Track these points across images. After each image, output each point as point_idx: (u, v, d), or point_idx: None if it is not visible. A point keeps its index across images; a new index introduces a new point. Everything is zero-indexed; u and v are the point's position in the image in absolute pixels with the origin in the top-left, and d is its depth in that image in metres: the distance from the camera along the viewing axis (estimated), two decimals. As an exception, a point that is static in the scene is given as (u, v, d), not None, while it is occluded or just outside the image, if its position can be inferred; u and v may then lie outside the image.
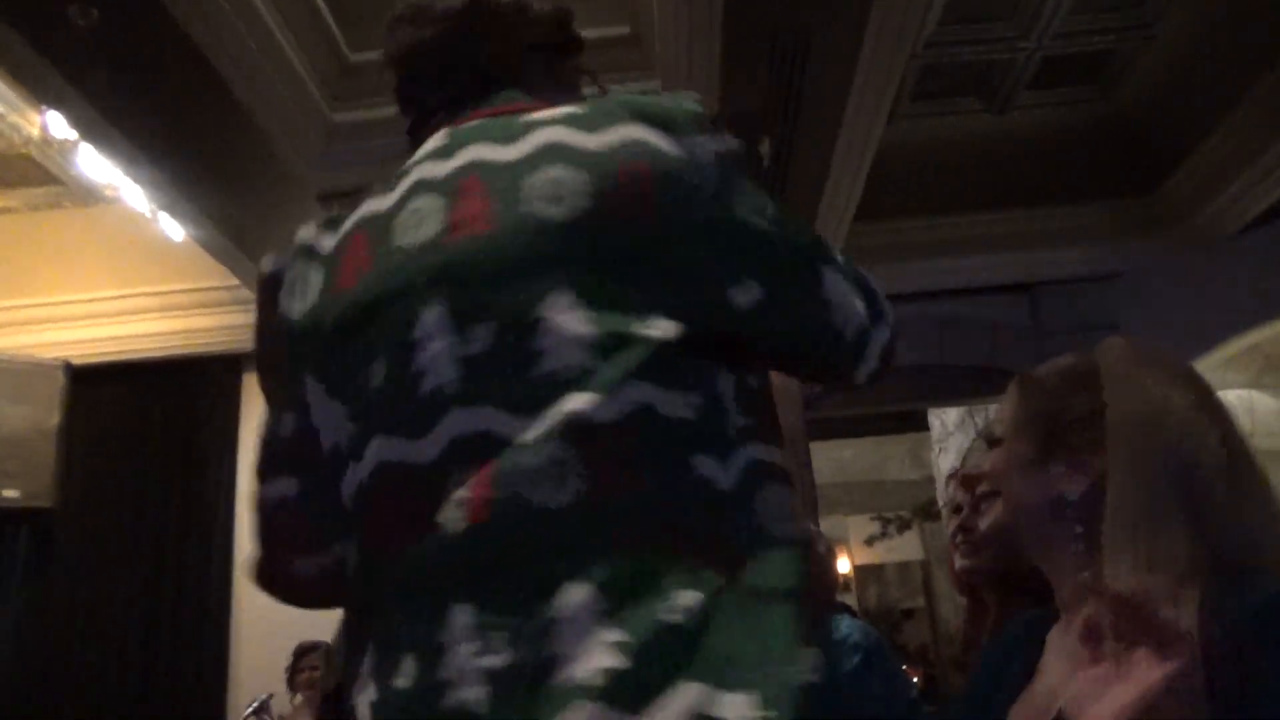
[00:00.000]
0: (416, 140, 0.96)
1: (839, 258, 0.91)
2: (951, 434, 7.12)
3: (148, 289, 5.47)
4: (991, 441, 1.21)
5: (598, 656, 0.64)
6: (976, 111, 4.81)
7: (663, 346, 0.75)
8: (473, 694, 0.66)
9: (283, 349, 0.90)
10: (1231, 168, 4.47)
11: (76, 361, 5.35)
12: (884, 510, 10.18)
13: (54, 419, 5.16)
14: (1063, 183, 4.96)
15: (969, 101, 4.76)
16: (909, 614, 10.24)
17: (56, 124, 4.15)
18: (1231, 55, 4.15)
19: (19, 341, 5.43)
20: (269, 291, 0.94)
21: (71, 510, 5.17)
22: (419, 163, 0.89)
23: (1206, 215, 4.76)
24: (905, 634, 9.99)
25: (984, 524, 1.30)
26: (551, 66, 1.06)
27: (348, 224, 0.90)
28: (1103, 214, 5.06)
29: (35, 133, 4.86)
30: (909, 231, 4.99)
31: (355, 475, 0.81)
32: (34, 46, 2.97)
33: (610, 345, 0.73)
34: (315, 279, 0.89)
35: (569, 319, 0.74)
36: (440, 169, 0.85)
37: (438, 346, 0.77)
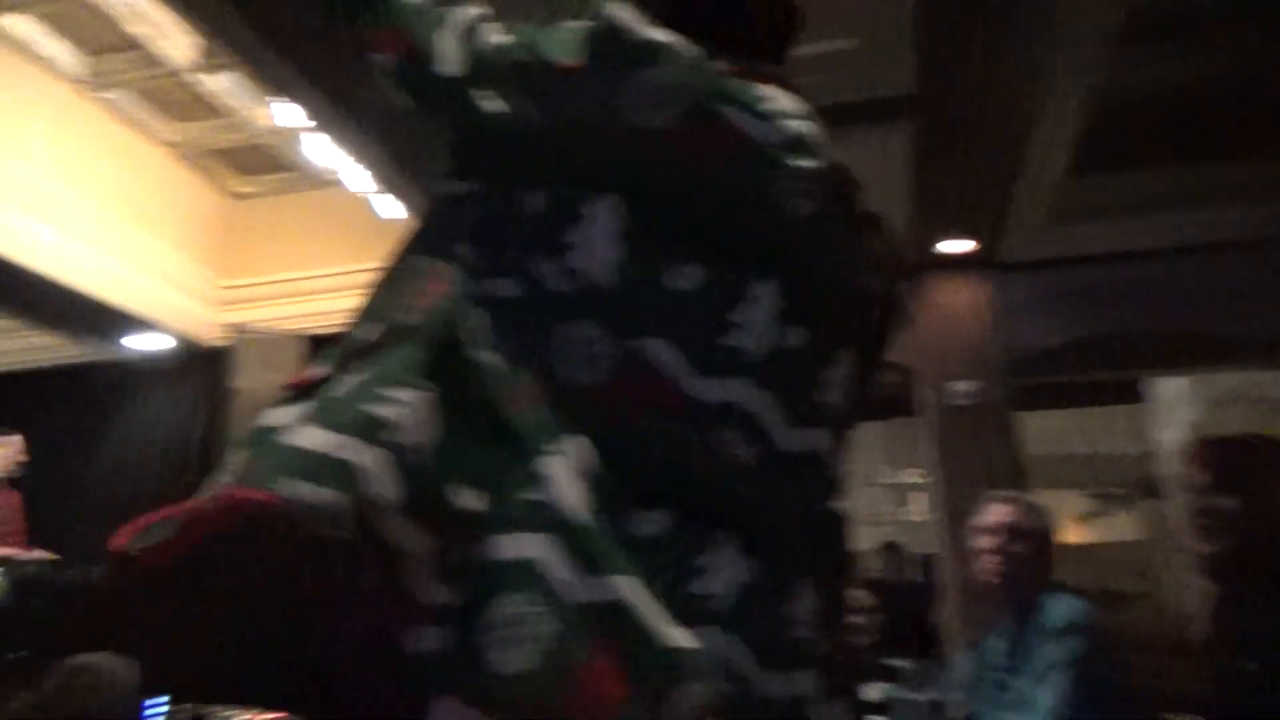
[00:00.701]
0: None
1: None
2: (1176, 406, 6.57)
3: (372, 264, 5.89)
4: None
5: None
6: (1198, 54, 4.37)
7: None
8: None
9: (605, 142, 0.87)
10: None
11: (313, 331, 5.89)
12: (1099, 486, 9.56)
13: (293, 384, 5.70)
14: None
15: (1192, 44, 4.33)
16: (1126, 598, 9.59)
17: (285, 113, 4.56)
18: None
19: (264, 314, 6.03)
20: (615, 51, 0.88)
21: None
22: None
23: None
24: (1123, 618, 9.37)
25: (1234, 504, 1.20)
26: None
27: (701, 81, 0.89)
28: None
29: (270, 123, 5.36)
30: (1127, 186, 4.63)
31: None
32: (270, 43, 3.27)
33: None
34: (671, 103, 0.86)
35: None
36: None
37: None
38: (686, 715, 0.70)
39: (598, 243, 0.83)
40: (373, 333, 0.82)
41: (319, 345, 5.85)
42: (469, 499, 0.73)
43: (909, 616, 5.42)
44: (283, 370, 5.72)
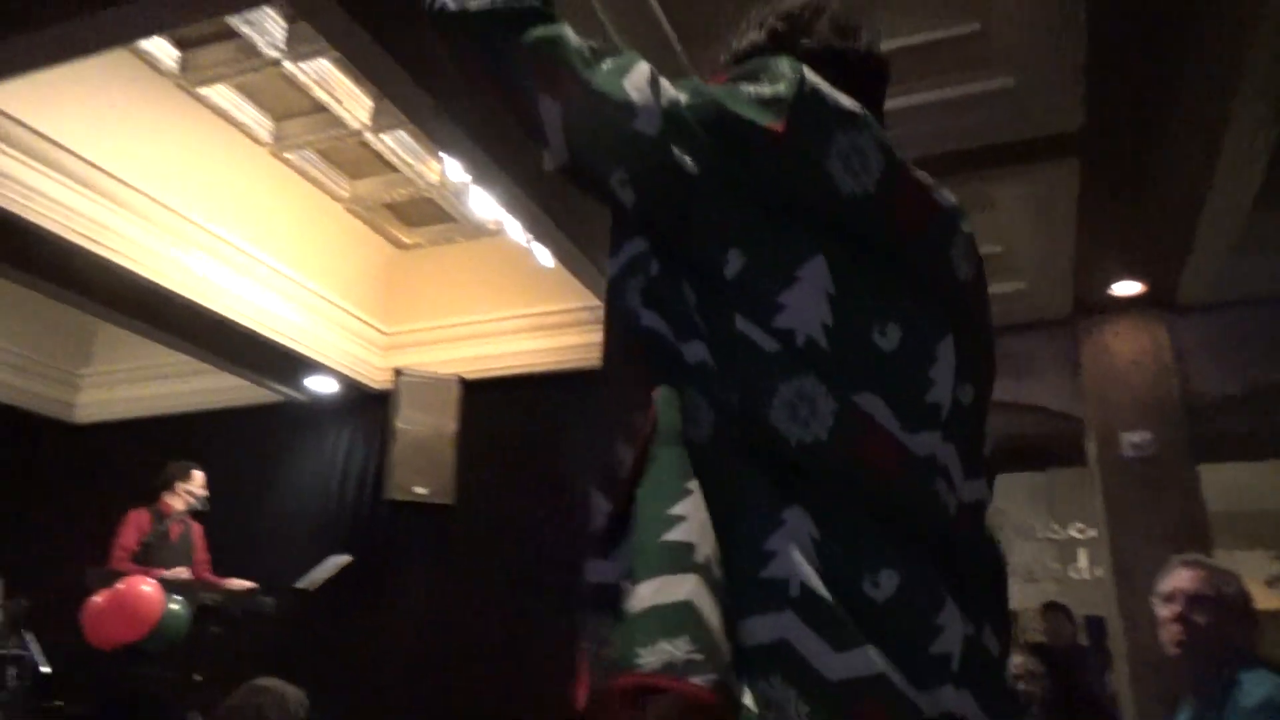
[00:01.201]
0: None
1: None
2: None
3: (525, 311, 6.11)
4: None
5: None
6: None
7: None
8: None
9: (813, 205, 0.87)
10: None
11: (468, 376, 6.13)
12: (1292, 548, 8.70)
13: (451, 426, 5.95)
14: None
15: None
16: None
17: (453, 169, 4.82)
18: None
19: (422, 359, 6.32)
20: (820, 117, 0.89)
21: (465, 505, 5.92)
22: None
23: None
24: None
25: None
26: None
27: (890, 147, 0.92)
28: None
29: (435, 178, 5.67)
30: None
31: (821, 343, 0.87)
32: (438, 104, 3.47)
33: None
34: (873, 168, 0.89)
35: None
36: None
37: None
38: None
39: (811, 303, 0.83)
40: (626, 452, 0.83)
41: (472, 389, 6.08)
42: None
43: (1075, 685, 5.07)
44: (441, 412, 5.96)
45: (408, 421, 5.92)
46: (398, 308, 6.51)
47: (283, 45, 4.54)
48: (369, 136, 5.23)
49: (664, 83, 0.91)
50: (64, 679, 5.49)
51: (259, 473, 6.69)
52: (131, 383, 7.27)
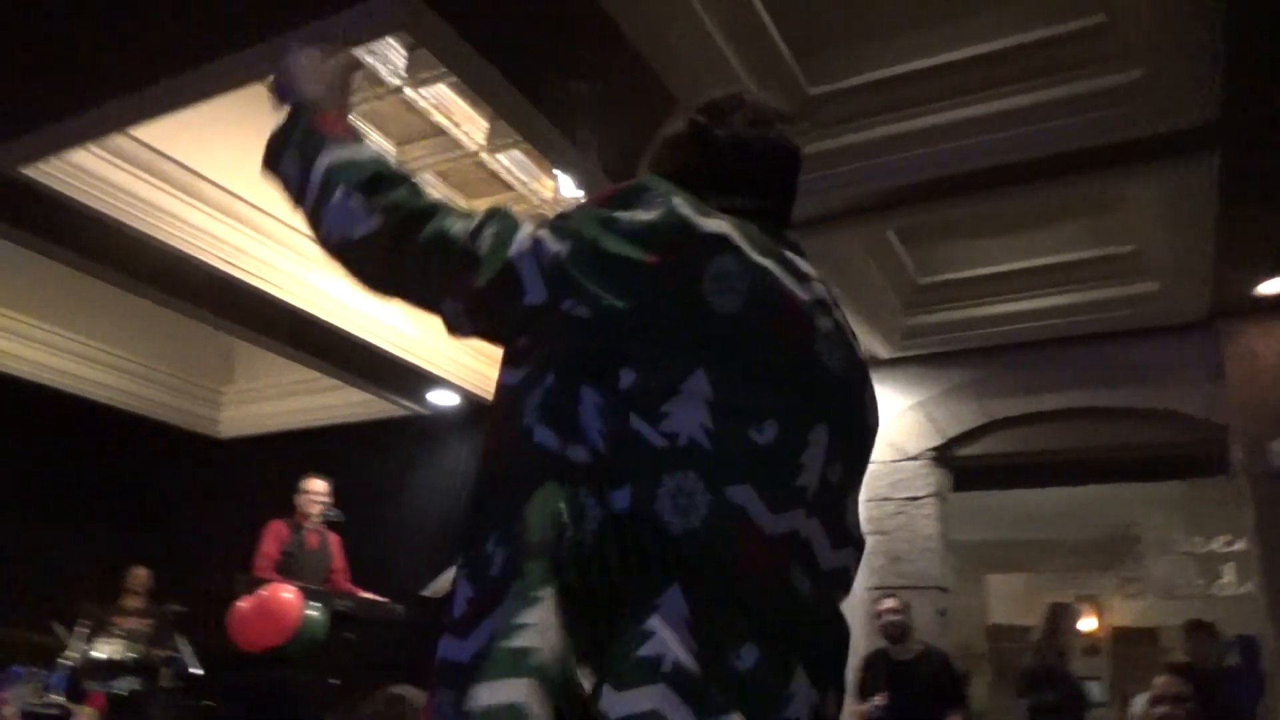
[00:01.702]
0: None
1: None
2: None
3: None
4: None
5: None
6: None
7: None
8: None
9: (690, 327, 0.98)
10: None
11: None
12: None
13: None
14: None
15: None
16: None
17: (566, 184, 4.91)
18: None
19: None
20: (689, 246, 0.99)
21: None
22: (807, 274, 1.11)
23: None
24: None
25: None
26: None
27: (758, 262, 1.03)
28: None
29: (549, 194, 5.79)
30: None
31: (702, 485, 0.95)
32: (550, 118, 3.56)
33: None
34: (740, 287, 0.99)
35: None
36: (825, 293, 1.12)
37: (819, 446, 1.03)
38: None
39: (692, 411, 0.94)
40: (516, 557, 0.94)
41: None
42: (585, 675, 0.85)
43: (1224, 708, 4.78)
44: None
45: (525, 434, 6.05)
46: (514, 323, 6.67)
47: (403, 73, 4.74)
48: (485, 156, 5.39)
49: (544, 242, 1.00)
50: (213, 680, 5.81)
51: (387, 484, 6.96)
52: (269, 399, 7.68)
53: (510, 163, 5.49)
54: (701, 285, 0.97)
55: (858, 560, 1.07)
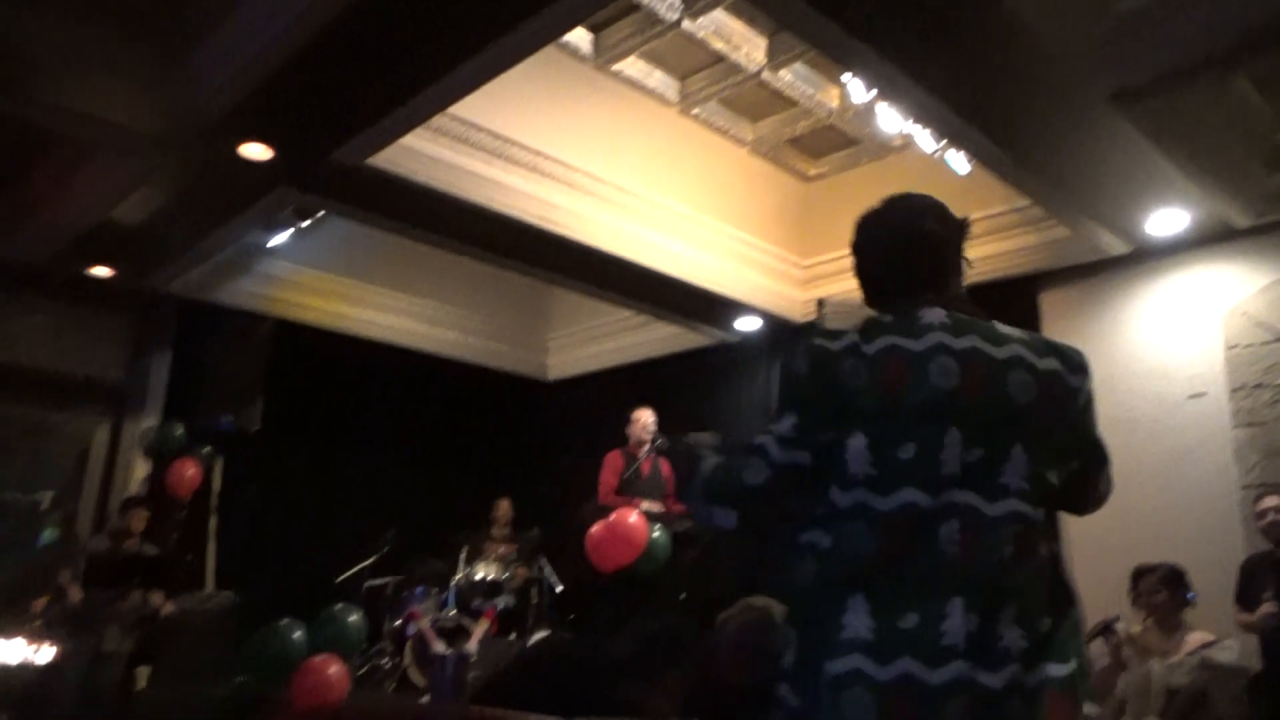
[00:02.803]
0: (897, 300, 1.55)
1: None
2: None
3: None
4: None
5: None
6: None
7: (1052, 484, 1.46)
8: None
9: (836, 401, 1.44)
10: None
11: (889, 298, 6.04)
12: None
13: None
14: None
15: None
16: None
17: (856, 90, 4.73)
18: None
19: (842, 286, 6.34)
20: (827, 360, 1.45)
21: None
22: (935, 329, 1.47)
23: None
24: None
25: None
26: (959, 271, 1.63)
27: (880, 344, 1.44)
28: None
29: (835, 104, 5.61)
30: None
31: (876, 501, 1.39)
32: (835, 19, 3.41)
33: (1035, 487, 1.42)
34: (863, 371, 1.43)
35: (1020, 458, 1.42)
36: (955, 343, 1.45)
37: (953, 451, 1.39)
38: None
39: (858, 454, 1.41)
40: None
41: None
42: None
43: None
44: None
45: (835, 350, 5.99)
46: (811, 239, 6.59)
47: (679, 5, 4.76)
48: (767, 75, 5.31)
49: (773, 436, 1.49)
50: (574, 597, 6.42)
51: (703, 410, 7.22)
52: (587, 342, 8.21)
53: (793, 76, 5.37)
54: (842, 378, 1.43)
55: (1024, 503, 1.41)
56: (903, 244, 1.59)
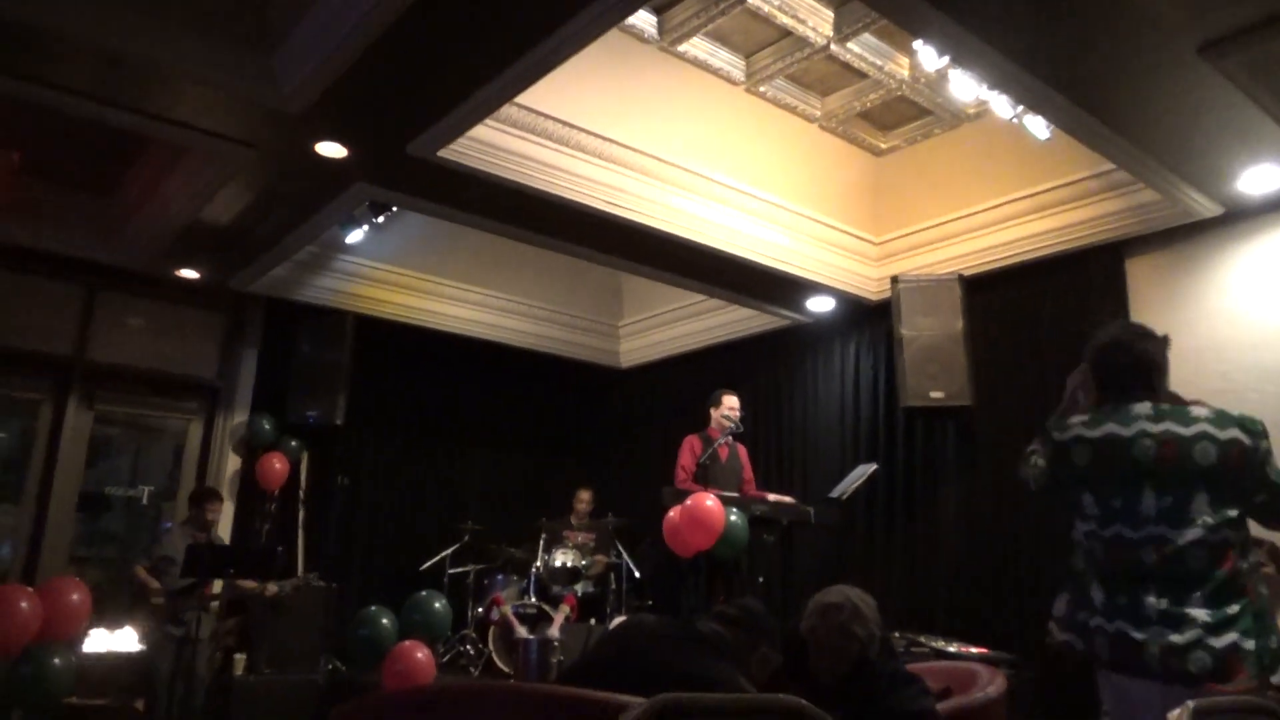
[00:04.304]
0: (1118, 395, 2.36)
1: None
2: None
3: (1021, 194, 5.68)
4: None
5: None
6: None
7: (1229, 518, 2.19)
8: None
9: (1076, 475, 2.34)
10: None
11: (967, 273, 5.89)
12: None
13: (958, 325, 5.78)
14: None
15: None
16: None
17: (927, 58, 4.60)
18: None
19: (917, 263, 6.21)
20: (1067, 448, 2.37)
21: (984, 405, 5.74)
22: (1140, 418, 2.26)
23: None
24: None
25: None
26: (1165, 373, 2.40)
27: (1099, 432, 2.30)
28: None
29: (906, 74, 5.47)
30: None
31: (1102, 531, 2.27)
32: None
33: (1218, 518, 2.18)
34: (1086, 450, 2.32)
35: (1202, 499, 2.18)
36: (1153, 428, 2.24)
37: (1149, 501, 2.21)
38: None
39: (1089, 504, 2.33)
40: None
41: (973, 286, 5.83)
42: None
43: None
44: (946, 313, 5.83)
45: (912, 327, 5.87)
46: (884, 215, 6.45)
47: (743, -21, 4.70)
48: (834, 48, 5.21)
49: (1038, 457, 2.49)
50: (653, 582, 6.44)
51: (779, 392, 7.16)
52: (658, 327, 8.20)
53: (862, 48, 5.26)
54: (1074, 456, 2.34)
55: (1205, 531, 2.15)
56: (1128, 363, 2.36)
